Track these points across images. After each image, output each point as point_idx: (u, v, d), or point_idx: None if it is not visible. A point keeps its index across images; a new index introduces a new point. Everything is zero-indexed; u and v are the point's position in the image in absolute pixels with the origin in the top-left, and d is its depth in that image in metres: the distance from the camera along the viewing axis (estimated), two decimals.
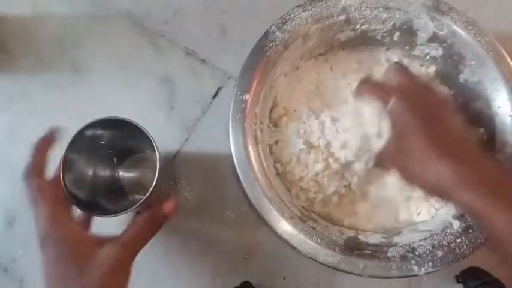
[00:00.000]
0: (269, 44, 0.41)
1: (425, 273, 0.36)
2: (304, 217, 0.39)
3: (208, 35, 0.51)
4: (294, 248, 0.37)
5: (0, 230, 0.48)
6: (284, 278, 0.46)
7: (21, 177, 0.34)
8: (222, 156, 0.48)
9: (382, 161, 0.41)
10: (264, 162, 0.40)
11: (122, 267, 0.32)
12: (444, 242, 0.37)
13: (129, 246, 0.33)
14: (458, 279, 0.43)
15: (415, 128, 0.34)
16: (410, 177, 0.36)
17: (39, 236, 0.33)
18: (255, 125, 0.40)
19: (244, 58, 0.41)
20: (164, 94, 0.50)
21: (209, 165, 0.48)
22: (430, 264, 0.36)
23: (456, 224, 0.38)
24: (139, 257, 0.46)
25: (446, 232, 0.38)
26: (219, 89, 0.50)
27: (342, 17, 0.42)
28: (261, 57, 0.41)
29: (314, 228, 0.38)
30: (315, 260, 0.37)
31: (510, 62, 0.40)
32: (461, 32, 0.41)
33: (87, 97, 0.50)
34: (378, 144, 0.40)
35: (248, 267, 0.46)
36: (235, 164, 0.38)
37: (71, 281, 0.31)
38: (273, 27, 0.42)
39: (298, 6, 0.42)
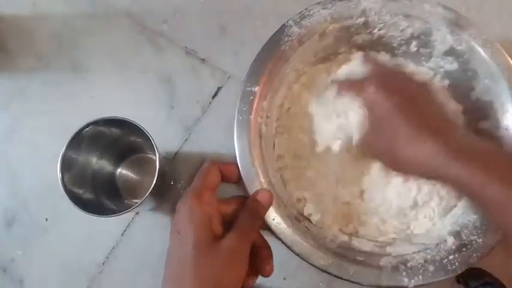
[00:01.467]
0: (285, 38, 0.40)
1: (415, 286, 0.36)
2: (300, 217, 0.39)
3: (208, 34, 0.51)
4: (287, 247, 0.37)
5: None
6: (284, 279, 0.46)
7: (208, 160, 0.38)
8: (222, 156, 0.48)
9: (364, 151, 0.40)
10: (265, 157, 0.39)
11: (238, 255, 0.34)
12: (437, 257, 0.37)
13: (240, 239, 0.34)
14: (459, 279, 0.43)
15: (394, 110, 0.34)
16: (395, 162, 0.36)
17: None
18: (261, 118, 0.40)
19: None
20: (164, 93, 0.50)
21: None
22: (421, 277, 0.36)
23: (450, 241, 0.37)
24: (138, 257, 0.46)
25: (440, 248, 0.37)
26: (219, 88, 0.50)
27: (361, 19, 0.42)
28: (275, 51, 0.40)
29: (308, 229, 0.38)
30: (306, 261, 0.36)
31: None
32: (479, 48, 0.40)
33: (87, 96, 0.50)
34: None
35: None
36: (237, 158, 0.38)
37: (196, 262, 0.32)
38: (290, 22, 0.41)
39: (318, 3, 0.41)
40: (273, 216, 0.37)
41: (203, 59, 0.51)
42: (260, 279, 0.45)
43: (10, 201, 0.48)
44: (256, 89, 0.39)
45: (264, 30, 0.42)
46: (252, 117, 0.39)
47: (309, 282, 0.46)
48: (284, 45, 0.40)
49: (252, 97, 0.39)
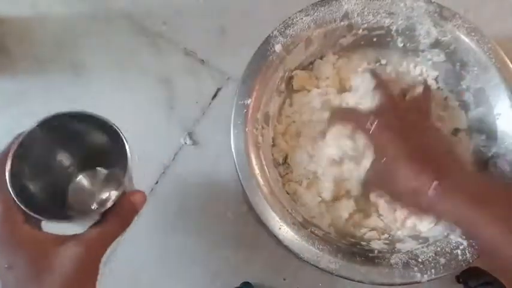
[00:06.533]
0: (271, 48, 0.41)
1: (428, 280, 0.36)
2: (306, 223, 0.39)
3: (207, 35, 0.51)
4: (295, 254, 0.37)
5: None
6: (284, 279, 0.46)
7: None
8: (222, 156, 0.48)
9: (370, 187, 0.41)
10: (266, 168, 0.39)
11: (87, 270, 0.28)
12: (447, 249, 0.37)
13: (95, 245, 0.28)
14: (459, 279, 0.43)
15: (395, 145, 0.35)
16: (396, 195, 0.37)
17: None
18: (257, 130, 0.40)
19: (244, 59, 0.41)
20: (163, 95, 0.50)
21: (209, 166, 0.48)
22: (433, 271, 0.36)
23: (459, 230, 0.37)
24: (139, 258, 0.46)
25: (449, 239, 0.37)
26: (219, 89, 0.50)
27: (345, 22, 0.42)
28: (262, 62, 0.41)
29: (316, 235, 0.38)
30: (317, 267, 0.36)
31: None
32: (464, 38, 0.41)
33: (86, 98, 0.50)
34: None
35: (248, 267, 0.46)
36: (237, 170, 0.38)
37: None
38: (275, 32, 0.41)
39: (300, 11, 0.42)
40: (279, 225, 0.37)
41: (202, 60, 0.51)
42: (260, 280, 0.45)
43: None
44: (249, 101, 0.40)
45: (264, 30, 0.42)
46: (247, 130, 0.39)
47: (309, 283, 0.46)
48: (271, 56, 0.41)
49: (245, 110, 0.40)
